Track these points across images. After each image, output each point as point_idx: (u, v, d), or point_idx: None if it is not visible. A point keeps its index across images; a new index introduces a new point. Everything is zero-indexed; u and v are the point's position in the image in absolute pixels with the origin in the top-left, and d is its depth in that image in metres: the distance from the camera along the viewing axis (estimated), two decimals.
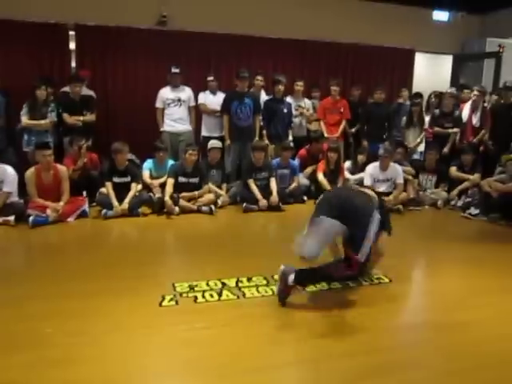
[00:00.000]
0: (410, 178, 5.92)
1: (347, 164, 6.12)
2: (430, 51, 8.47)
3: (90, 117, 5.65)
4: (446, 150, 6.21)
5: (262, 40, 7.15)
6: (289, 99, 6.47)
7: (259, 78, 6.37)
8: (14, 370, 2.12)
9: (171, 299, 2.89)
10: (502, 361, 2.32)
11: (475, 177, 5.74)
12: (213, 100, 6.19)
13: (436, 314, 2.78)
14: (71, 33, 6.45)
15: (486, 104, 6.29)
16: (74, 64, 6.60)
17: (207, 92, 6.27)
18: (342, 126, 6.55)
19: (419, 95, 6.99)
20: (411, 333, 2.60)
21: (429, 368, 2.25)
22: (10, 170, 4.66)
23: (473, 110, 6.20)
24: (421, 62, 8.49)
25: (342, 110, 6.51)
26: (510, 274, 3.56)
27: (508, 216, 5.11)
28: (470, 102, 6.29)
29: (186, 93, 6.07)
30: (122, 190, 4.98)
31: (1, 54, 6.01)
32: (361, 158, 6.08)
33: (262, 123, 6.15)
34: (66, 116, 5.50)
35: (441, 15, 8.28)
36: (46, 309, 2.72)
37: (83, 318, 2.61)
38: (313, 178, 5.97)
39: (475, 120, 6.17)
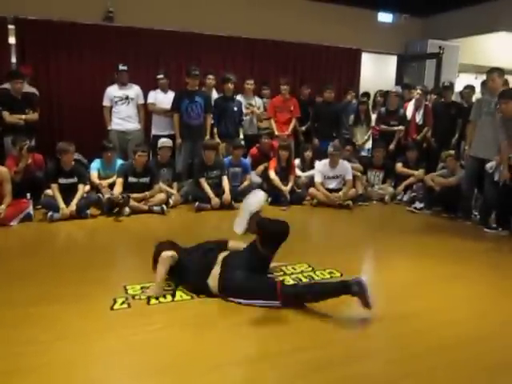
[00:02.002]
0: (359, 174, 6.10)
1: (296, 162, 6.22)
2: (375, 51, 8.74)
3: (32, 115, 5.41)
4: (391, 146, 6.44)
5: (212, 38, 7.12)
6: (239, 97, 6.48)
7: (211, 77, 6.33)
8: None
9: (123, 302, 2.82)
10: (453, 344, 2.44)
11: (419, 172, 6.00)
12: (163, 99, 6.10)
13: (387, 305, 2.87)
14: (10, 27, 6.14)
15: (427, 103, 6.58)
16: (14, 60, 6.29)
17: (158, 90, 6.17)
18: (292, 124, 6.64)
19: (366, 94, 7.21)
20: (362, 325, 2.68)
21: (380, 358, 2.34)
22: None
23: (416, 109, 6.46)
24: (367, 61, 8.76)
25: (292, 108, 6.60)
26: (455, 262, 3.75)
27: (450, 209, 5.38)
28: (413, 101, 6.56)
29: (134, 90, 5.95)
30: (68, 192, 4.81)
31: None
32: (307, 154, 6.19)
33: (212, 122, 6.12)
34: (5, 114, 5.22)
35: (385, 17, 8.56)
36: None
37: (30, 326, 2.50)
38: (265, 175, 6.01)
39: (418, 118, 6.44)
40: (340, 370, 2.19)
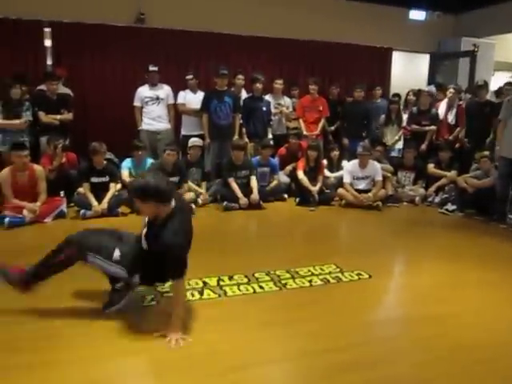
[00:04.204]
0: (389, 175, 6.00)
1: (325, 162, 6.16)
2: (406, 50, 8.59)
3: (66, 115, 5.56)
4: (423, 147, 6.31)
5: (241, 38, 7.15)
6: (268, 97, 6.48)
7: (240, 77, 6.36)
8: None
9: (152, 299, 2.87)
10: (478, 348, 2.39)
11: (452, 173, 5.85)
12: (193, 99, 6.16)
13: (413, 308, 2.83)
14: (46, 30, 6.32)
15: (461, 102, 6.41)
16: (49, 62, 6.47)
17: (187, 91, 6.23)
18: (320, 124, 6.59)
19: (397, 95, 7.11)
20: (388, 327, 2.64)
21: (406, 360, 2.30)
22: None
23: (449, 108, 6.32)
24: (398, 60, 8.61)
25: (320, 108, 6.55)
26: (486, 267, 3.64)
27: (483, 211, 5.23)
28: (445, 100, 6.41)
29: (165, 91, 6.03)
30: (100, 190, 4.92)
31: None
32: (334, 154, 6.13)
33: (241, 121, 6.14)
34: (41, 114, 5.39)
35: (417, 14, 8.41)
36: (17, 312, 2.66)
37: (55, 321, 2.56)
38: (293, 176, 5.99)
39: (451, 118, 6.29)
40: (366, 373, 2.17)
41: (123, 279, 2.65)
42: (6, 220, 4.35)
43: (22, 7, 6.00)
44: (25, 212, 4.49)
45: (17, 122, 5.19)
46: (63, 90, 5.77)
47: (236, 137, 6.00)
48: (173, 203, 2.52)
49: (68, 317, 2.62)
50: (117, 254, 2.55)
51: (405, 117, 6.63)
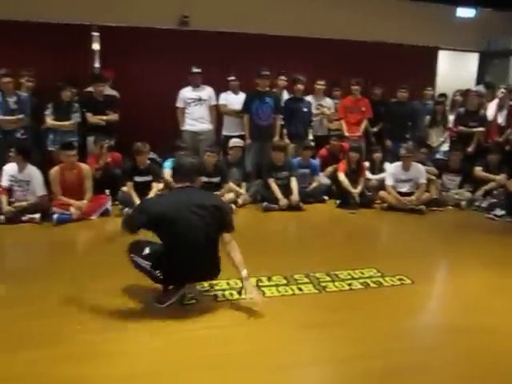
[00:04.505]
0: (433, 178, 5.83)
1: (366, 164, 6.06)
2: (454, 49, 8.31)
3: (112, 116, 5.73)
4: (470, 149, 6.10)
5: (283, 39, 7.13)
6: (309, 98, 6.44)
7: (282, 77, 6.37)
8: (38, 364, 2.17)
9: (192, 297, 2.91)
10: None
11: (501, 177, 5.61)
12: (234, 100, 6.21)
13: (459, 317, 2.73)
14: (95, 34, 6.55)
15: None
16: (97, 64, 6.70)
17: (229, 92, 6.29)
18: (363, 125, 6.48)
19: (443, 95, 6.90)
20: (431, 336, 2.56)
21: (449, 373, 2.22)
22: (36, 171, 4.80)
23: (499, 109, 6.08)
24: (444, 59, 8.35)
25: (363, 108, 6.44)
26: None
27: None
28: (495, 101, 6.17)
29: (207, 92, 6.10)
30: (143, 189, 5.03)
31: (32, 55, 6.09)
32: (376, 155, 6.01)
33: (282, 122, 6.13)
34: (89, 115, 5.58)
35: (465, 12, 8.12)
36: (67, 305, 2.77)
37: (104, 315, 2.64)
38: (334, 177, 5.92)
39: (501, 119, 6.06)
40: (404, 381, 2.11)
41: (151, 277, 2.78)
42: (55, 217, 4.54)
43: (73, 13, 6.23)
44: (72, 209, 4.67)
45: (66, 123, 5.40)
46: (110, 91, 5.96)
47: (277, 138, 6.00)
48: (180, 185, 2.77)
49: (118, 310, 2.70)
50: (146, 251, 2.77)
51: (451, 118, 6.42)
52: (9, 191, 4.70)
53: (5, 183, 4.68)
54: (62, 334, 2.43)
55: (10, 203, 4.63)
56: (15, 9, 5.95)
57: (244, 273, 2.72)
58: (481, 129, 6.09)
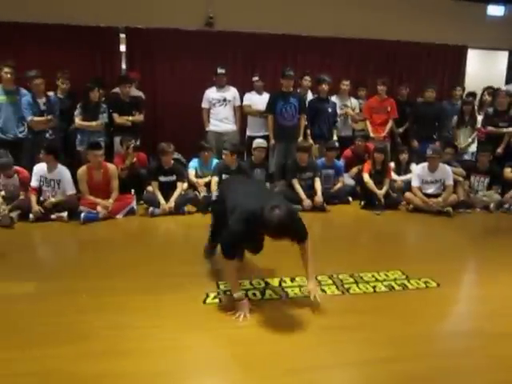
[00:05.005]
0: (461, 179, 5.71)
1: (392, 165, 5.97)
2: (483, 47, 8.12)
3: (138, 117, 5.81)
4: (499, 150, 5.96)
5: (307, 39, 7.09)
6: (334, 99, 6.40)
7: (307, 78, 6.34)
8: (61, 360, 2.22)
9: (215, 297, 2.93)
10: None
11: None
12: (258, 100, 6.21)
13: (488, 323, 2.66)
14: (122, 35, 6.66)
15: None
16: (124, 66, 6.80)
17: (253, 92, 6.30)
18: (388, 126, 6.40)
19: (472, 94, 6.74)
20: (459, 340, 2.50)
21: (480, 379, 2.17)
22: (66, 170, 4.91)
23: None
24: (473, 58, 8.16)
25: (388, 109, 6.35)
26: None
27: None
28: None
29: (232, 93, 6.13)
30: (168, 189, 5.10)
31: (63, 57, 6.18)
32: (403, 156, 5.92)
33: (306, 123, 6.11)
34: (115, 116, 5.68)
35: (496, 10, 7.92)
36: (92, 303, 2.82)
37: (127, 313, 2.69)
38: (358, 178, 5.86)
39: None
40: None
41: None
42: (82, 215, 4.65)
43: (100, 15, 6.34)
44: (99, 208, 4.77)
45: (94, 124, 5.51)
46: (136, 92, 6.04)
47: (301, 138, 5.97)
48: None
49: (142, 308, 2.75)
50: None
51: (479, 118, 6.28)
52: (38, 191, 4.82)
53: (35, 183, 4.80)
54: (86, 330, 2.48)
55: (40, 203, 4.75)
56: (47, 12, 6.09)
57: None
58: (511, 129, 5.93)
